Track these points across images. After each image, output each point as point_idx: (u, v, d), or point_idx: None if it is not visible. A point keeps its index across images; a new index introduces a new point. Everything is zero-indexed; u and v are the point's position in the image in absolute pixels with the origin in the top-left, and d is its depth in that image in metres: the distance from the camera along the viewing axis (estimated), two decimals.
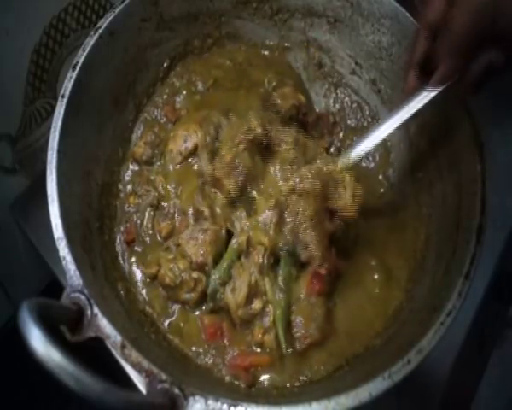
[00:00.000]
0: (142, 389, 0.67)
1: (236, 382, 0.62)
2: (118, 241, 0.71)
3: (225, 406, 0.47)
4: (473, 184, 0.61)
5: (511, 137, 0.93)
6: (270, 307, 0.64)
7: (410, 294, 0.67)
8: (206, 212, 0.68)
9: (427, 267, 0.66)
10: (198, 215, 0.69)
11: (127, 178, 0.75)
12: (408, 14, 0.72)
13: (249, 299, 0.64)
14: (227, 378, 0.63)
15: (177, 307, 0.68)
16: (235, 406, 0.47)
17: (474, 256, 0.56)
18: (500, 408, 0.93)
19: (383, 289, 0.70)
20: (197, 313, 0.67)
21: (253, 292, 0.64)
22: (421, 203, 0.73)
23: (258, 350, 0.64)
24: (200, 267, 0.66)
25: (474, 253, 0.56)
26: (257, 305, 0.64)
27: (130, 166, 0.76)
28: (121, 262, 0.70)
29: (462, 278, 0.55)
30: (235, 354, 0.64)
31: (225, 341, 0.65)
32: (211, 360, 0.64)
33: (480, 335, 0.86)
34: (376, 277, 0.70)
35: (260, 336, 0.64)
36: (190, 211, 0.69)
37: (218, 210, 0.68)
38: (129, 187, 0.75)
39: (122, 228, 0.72)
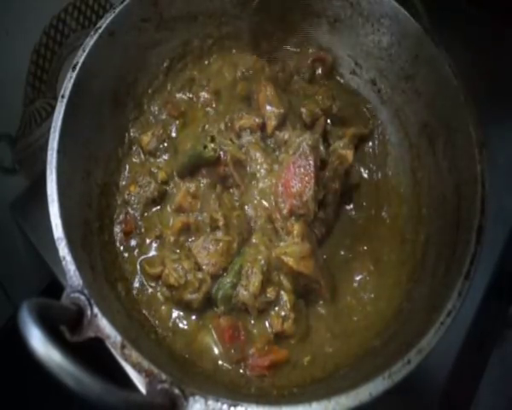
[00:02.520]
0: (142, 389, 0.67)
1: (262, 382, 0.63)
2: (116, 231, 0.71)
3: (225, 406, 0.47)
4: (473, 184, 0.61)
5: (511, 137, 0.93)
6: (284, 295, 0.65)
7: (410, 294, 0.67)
8: (221, 221, 0.67)
9: (427, 267, 0.66)
10: (213, 223, 0.69)
11: (129, 167, 0.76)
12: (408, 14, 0.72)
13: (263, 287, 0.64)
14: (252, 380, 0.63)
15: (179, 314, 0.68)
16: (235, 406, 0.47)
17: (474, 256, 0.56)
18: (500, 408, 0.93)
19: (383, 288, 0.70)
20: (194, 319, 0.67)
21: (266, 279, 0.65)
22: (421, 204, 0.73)
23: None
24: (213, 277, 0.66)
25: (474, 253, 0.56)
26: (271, 292, 0.65)
27: (134, 157, 0.77)
28: (120, 260, 0.70)
29: (462, 278, 0.55)
30: (254, 355, 0.64)
31: (242, 338, 0.65)
32: (230, 367, 0.64)
33: (480, 335, 0.86)
34: (376, 277, 0.70)
35: (280, 326, 0.64)
36: (207, 216, 0.70)
37: (234, 221, 0.68)
38: (129, 175, 0.75)
39: (121, 217, 0.72)
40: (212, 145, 0.70)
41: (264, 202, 0.69)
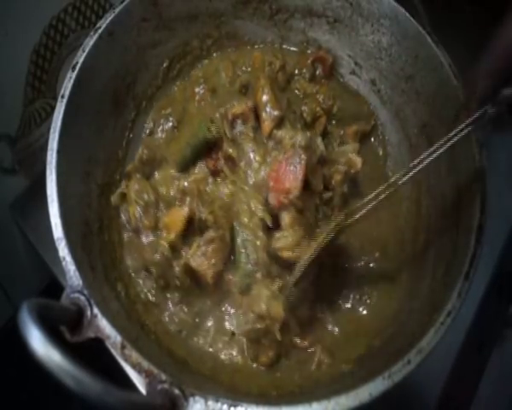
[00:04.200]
0: (142, 389, 0.67)
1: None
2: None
3: (225, 406, 0.47)
4: (473, 184, 0.61)
5: (511, 137, 0.93)
6: None
7: (410, 294, 0.67)
8: (210, 219, 0.67)
9: (427, 267, 0.66)
10: (201, 225, 0.68)
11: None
12: (408, 14, 0.72)
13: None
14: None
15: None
16: (235, 406, 0.47)
17: (473, 256, 0.56)
18: (500, 408, 0.93)
19: (383, 289, 0.70)
20: None
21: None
22: (421, 203, 0.73)
23: None
24: (218, 276, 0.66)
25: (473, 253, 0.56)
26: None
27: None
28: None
29: (462, 278, 0.55)
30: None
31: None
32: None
33: (480, 335, 0.86)
34: (376, 277, 0.70)
35: None
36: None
37: (220, 214, 0.68)
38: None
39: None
40: (215, 126, 0.71)
41: (255, 197, 0.68)
